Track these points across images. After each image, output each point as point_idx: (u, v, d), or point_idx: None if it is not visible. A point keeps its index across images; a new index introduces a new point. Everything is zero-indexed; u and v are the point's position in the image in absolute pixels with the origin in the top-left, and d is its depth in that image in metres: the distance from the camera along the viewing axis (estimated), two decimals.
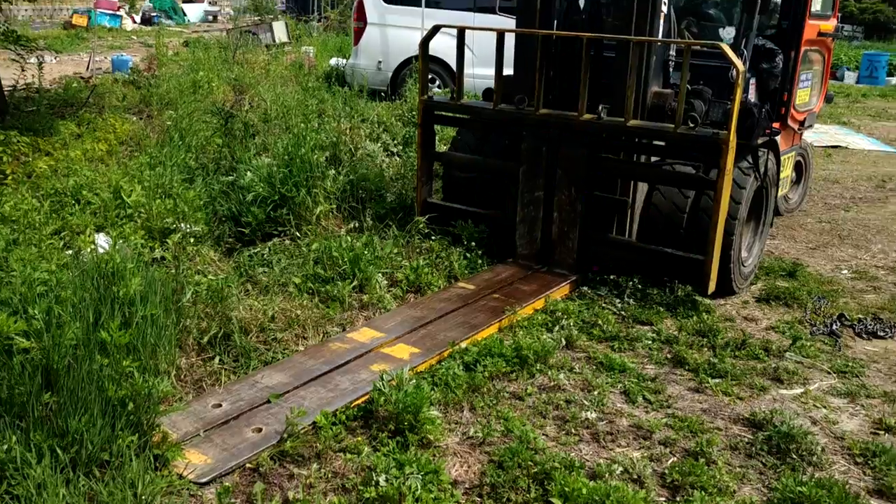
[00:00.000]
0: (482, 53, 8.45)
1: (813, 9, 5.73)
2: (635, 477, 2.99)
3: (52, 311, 3.15)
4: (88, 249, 4.13)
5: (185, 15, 26.18)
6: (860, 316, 4.67)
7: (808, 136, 7.82)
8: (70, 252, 4.24)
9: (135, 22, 23.09)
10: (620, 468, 3.02)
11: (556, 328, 4.22)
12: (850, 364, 4.05)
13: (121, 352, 3.04)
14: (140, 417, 2.87)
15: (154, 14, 24.35)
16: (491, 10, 8.66)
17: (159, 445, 2.87)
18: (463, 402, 3.46)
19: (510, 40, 5.08)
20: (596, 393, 3.59)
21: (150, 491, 2.62)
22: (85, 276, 3.47)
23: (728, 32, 5.91)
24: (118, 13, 22.29)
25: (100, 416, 2.79)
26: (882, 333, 4.46)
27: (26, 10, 21.65)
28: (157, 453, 2.83)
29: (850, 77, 19.57)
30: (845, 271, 5.53)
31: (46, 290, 3.43)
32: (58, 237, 4.55)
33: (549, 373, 3.76)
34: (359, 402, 3.36)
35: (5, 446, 2.61)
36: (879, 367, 4.09)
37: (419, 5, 10.53)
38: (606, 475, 2.95)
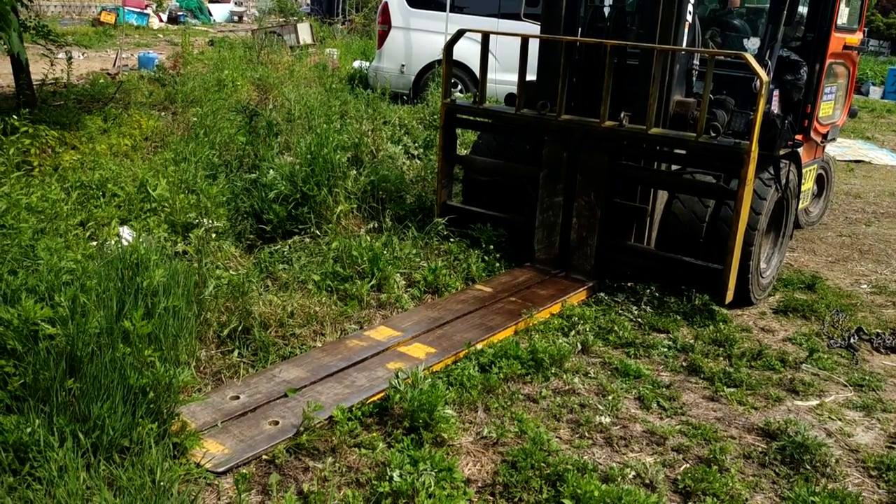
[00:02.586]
0: (505, 59, 8.49)
1: (839, 22, 5.72)
2: (647, 481, 3.01)
3: (77, 299, 3.19)
4: (113, 241, 4.20)
5: (210, 14, 26.42)
6: (878, 330, 4.64)
7: (831, 149, 7.78)
8: (95, 243, 4.31)
9: (161, 20, 23.31)
10: (633, 472, 3.03)
11: (573, 333, 4.24)
12: (867, 378, 4.04)
13: (143, 341, 3.08)
14: (160, 406, 2.92)
15: (180, 13, 24.58)
16: (515, 17, 8.69)
17: (178, 434, 2.92)
18: (477, 402, 3.49)
19: (534, 46, 5.11)
20: (610, 398, 3.61)
21: (168, 478, 2.66)
22: (110, 267, 3.52)
23: (753, 43, 5.90)
24: (145, 11, 22.52)
25: (121, 403, 2.84)
26: None
27: (55, 6, 21.94)
28: (175, 441, 2.88)
29: (875, 92, 19.47)
30: (865, 286, 5.50)
31: (72, 279, 3.48)
32: (83, 228, 4.62)
33: (564, 376, 3.77)
34: (374, 398, 3.39)
35: (29, 429, 2.67)
36: None
37: (444, 10, 10.59)
38: (619, 479, 2.97)
